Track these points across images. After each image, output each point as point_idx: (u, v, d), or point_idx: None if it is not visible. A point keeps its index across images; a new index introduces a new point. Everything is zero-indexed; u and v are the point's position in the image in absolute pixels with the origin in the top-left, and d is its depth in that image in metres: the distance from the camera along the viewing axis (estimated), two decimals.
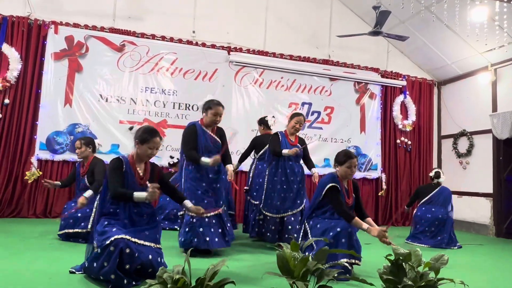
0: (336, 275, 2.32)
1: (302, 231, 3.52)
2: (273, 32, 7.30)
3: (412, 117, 7.91)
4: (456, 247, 5.28)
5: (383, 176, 7.63)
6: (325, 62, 7.51)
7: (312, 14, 7.58)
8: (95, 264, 2.64)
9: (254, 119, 5.57)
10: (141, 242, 2.69)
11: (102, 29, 6.34)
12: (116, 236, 2.59)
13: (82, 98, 6.13)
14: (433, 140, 8.18)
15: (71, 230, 4.10)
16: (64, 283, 2.68)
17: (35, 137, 5.85)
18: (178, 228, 4.31)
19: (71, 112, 6.06)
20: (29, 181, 5.71)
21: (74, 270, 2.90)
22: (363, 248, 3.35)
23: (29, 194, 5.74)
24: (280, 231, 4.39)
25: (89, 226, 4.02)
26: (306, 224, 3.49)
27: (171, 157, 5.95)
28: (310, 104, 7.35)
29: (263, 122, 5.25)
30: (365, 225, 3.17)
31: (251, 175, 5.06)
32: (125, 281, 2.60)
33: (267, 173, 4.54)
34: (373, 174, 7.60)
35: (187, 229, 3.72)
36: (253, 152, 5.23)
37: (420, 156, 7.98)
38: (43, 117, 5.90)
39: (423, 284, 2.29)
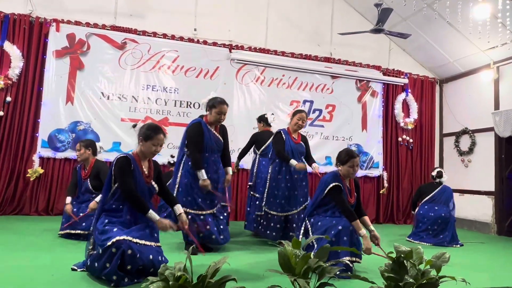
0: (337, 272, 2.32)
1: (303, 228, 3.52)
2: (274, 29, 7.28)
3: (414, 115, 7.89)
4: (457, 245, 5.27)
5: (385, 174, 7.62)
6: (327, 60, 7.50)
7: (314, 12, 7.56)
8: (96, 264, 2.65)
9: (256, 117, 5.57)
10: (142, 242, 2.69)
11: (104, 26, 6.33)
12: (118, 238, 2.58)
13: (84, 95, 6.13)
14: (435, 138, 8.16)
15: (73, 231, 4.11)
16: (66, 280, 2.69)
17: (37, 134, 5.86)
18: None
19: (73, 110, 6.07)
20: (31, 179, 5.72)
21: (75, 267, 2.91)
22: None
23: (31, 192, 5.75)
24: (285, 229, 4.37)
25: (91, 228, 4.01)
26: (307, 221, 3.50)
27: (172, 156, 5.94)
28: (311, 102, 7.34)
29: (262, 119, 5.28)
30: (363, 232, 3.22)
31: (254, 171, 5.06)
32: (126, 279, 2.61)
33: (270, 171, 4.51)
34: (374, 172, 7.59)
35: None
36: (253, 148, 5.25)
37: (422, 154, 7.97)
38: (45, 115, 5.91)
39: (424, 282, 2.28)
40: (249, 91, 6.99)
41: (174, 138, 6.11)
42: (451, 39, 7.08)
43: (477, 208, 7.07)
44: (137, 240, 2.66)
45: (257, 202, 4.62)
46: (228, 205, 4.14)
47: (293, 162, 4.27)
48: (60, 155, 5.93)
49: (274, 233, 4.34)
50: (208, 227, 3.75)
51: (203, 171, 3.69)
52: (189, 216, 3.67)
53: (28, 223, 4.95)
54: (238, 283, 2.13)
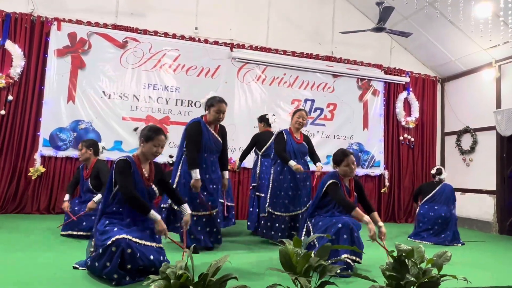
0: (338, 271, 2.32)
1: (304, 229, 3.53)
2: (275, 28, 7.27)
3: (415, 113, 7.88)
4: (459, 244, 5.27)
5: (386, 173, 7.61)
6: (328, 58, 7.49)
7: (315, 11, 7.55)
8: (97, 264, 2.65)
9: (257, 116, 5.56)
10: (142, 242, 2.69)
11: (105, 25, 6.34)
12: (117, 236, 2.59)
13: (85, 94, 6.14)
14: (436, 137, 8.15)
15: (75, 232, 4.12)
16: (68, 278, 2.70)
17: (38, 133, 5.87)
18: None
19: (74, 109, 6.07)
20: (33, 177, 5.73)
21: (77, 266, 2.92)
22: (366, 245, 3.34)
23: (33, 190, 5.77)
24: (290, 229, 4.34)
25: (93, 230, 4.01)
26: (309, 222, 3.51)
27: (170, 156, 5.94)
28: (312, 100, 7.33)
29: (263, 119, 5.26)
30: (366, 218, 3.19)
31: (257, 172, 5.04)
32: (128, 278, 2.62)
33: (272, 171, 4.50)
34: (375, 171, 7.58)
35: (177, 225, 3.75)
36: (254, 149, 5.24)
37: (423, 153, 7.96)
38: (46, 113, 5.92)
39: (425, 280, 2.28)
40: (250, 90, 6.98)
41: (175, 137, 6.08)
42: (452, 38, 7.07)
43: (478, 207, 7.06)
44: (137, 240, 2.66)
45: (262, 203, 4.63)
46: (211, 212, 3.91)
47: (291, 163, 4.24)
48: (61, 154, 5.94)
49: (279, 234, 4.27)
50: (199, 228, 3.76)
51: (197, 170, 3.67)
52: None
53: (29, 222, 4.96)
54: (239, 282, 2.13)
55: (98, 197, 4.06)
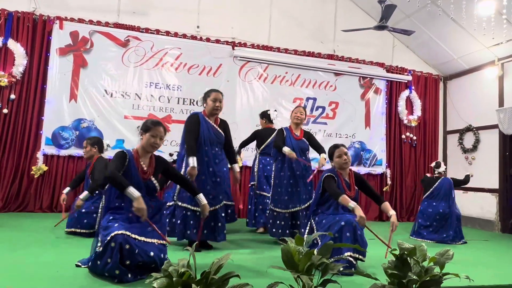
0: (341, 269, 2.32)
1: (308, 227, 3.54)
2: (277, 27, 7.26)
3: (418, 112, 7.87)
4: (461, 243, 5.26)
5: (388, 172, 7.60)
6: (330, 57, 7.48)
7: (317, 9, 7.53)
8: (99, 262, 2.65)
9: (258, 114, 5.56)
10: (142, 238, 2.69)
11: (107, 24, 6.34)
12: (116, 232, 2.59)
13: (87, 93, 6.15)
14: (439, 135, 8.14)
15: (78, 230, 4.14)
16: (71, 276, 2.70)
17: (40, 132, 5.89)
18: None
19: (76, 107, 6.09)
20: (36, 176, 5.75)
21: (80, 264, 2.92)
22: (369, 244, 3.34)
23: (35, 189, 5.79)
24: (291, 227, 4.33)
25: (96, 226, 4.00)
26: (312, 220, 3.51)
27: (170, 155, 5.92)
28: (314, 99, 7.32)
29: (265, 115, 5.25)
30: (352, 203, 3.22)
31: (255, 170, 5.06)
32: (130, 275, 2.61)
33: (273, 168, 4.52)
34: (378, 170, 7.57)
35: (179, 221, 3.70)
36: (254, 147, 5.24)
37: (425, 152, 7.94)
38: (49, 112, 5.93)
39: (428, 279, 2.28)
40: (252, 89, 6.98)
41: (177, 135, 6.09)
42: (455, 36, 7.04)
43: (481, 206, 7.05)
44: (136, 236, 2.66)
45: (267, 200, 4.70)
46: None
47: (285, 149, 4.24)
48: (64, 153, 5.96)
49: (280, 231, 4.27)
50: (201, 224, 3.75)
51: (195, 158, 3.62)
52: (188, 212, 3.68)
53: (32, 220, 4.97)
54: (241, 280, 2.13)
55: (83, 194, 4.06)
